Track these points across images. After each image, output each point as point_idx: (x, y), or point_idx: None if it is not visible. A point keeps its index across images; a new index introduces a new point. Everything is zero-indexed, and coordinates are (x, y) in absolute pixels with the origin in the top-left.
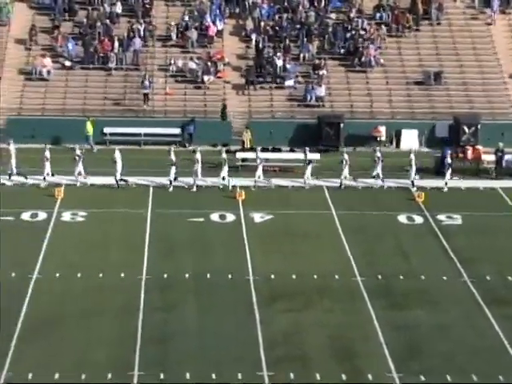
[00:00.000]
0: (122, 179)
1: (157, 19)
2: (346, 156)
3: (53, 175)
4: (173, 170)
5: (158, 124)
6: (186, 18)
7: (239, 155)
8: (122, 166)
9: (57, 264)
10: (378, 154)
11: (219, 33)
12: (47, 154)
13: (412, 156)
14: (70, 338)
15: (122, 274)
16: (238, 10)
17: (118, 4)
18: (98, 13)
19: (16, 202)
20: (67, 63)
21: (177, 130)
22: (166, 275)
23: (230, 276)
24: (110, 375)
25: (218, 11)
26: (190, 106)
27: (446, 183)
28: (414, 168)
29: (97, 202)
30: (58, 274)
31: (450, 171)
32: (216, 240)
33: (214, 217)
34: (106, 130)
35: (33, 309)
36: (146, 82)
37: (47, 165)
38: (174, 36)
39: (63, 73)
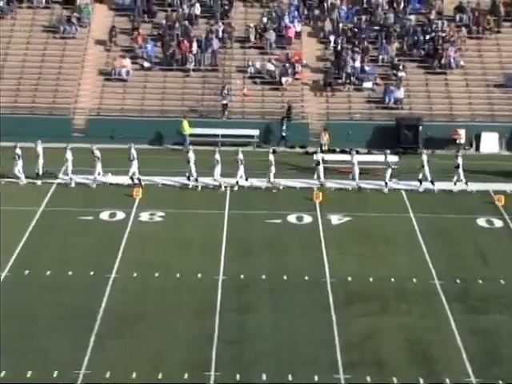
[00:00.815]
0: (137, 178)
1: (235, 20)
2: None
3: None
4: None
5: (235, 125)
6: (265, 20)
7: (317, 157)
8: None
9: (134, 264)
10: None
11: (297, 34)
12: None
13: (424, 157)
14: (147, 338)
15: (199, 275)
16: (316, 12)
17: (197, 5)
18: (177, 14)
19: (95, 202)
20: (146, 64)
21: (254, 131)
22: (242, 276)
23: (306, 278)
24: (186, 375)
25: (296, 13)
26: (268, 108)
27: (455, 184)
28: (426, 168)
29: (174, 202)
30: (135, 274)
31: (460, 172)
32: (293, 241)
33: (291, 218)
34: None
35: (111, 308)
36: (225, 92)
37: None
38: (252, 37)
39: (142, 74)
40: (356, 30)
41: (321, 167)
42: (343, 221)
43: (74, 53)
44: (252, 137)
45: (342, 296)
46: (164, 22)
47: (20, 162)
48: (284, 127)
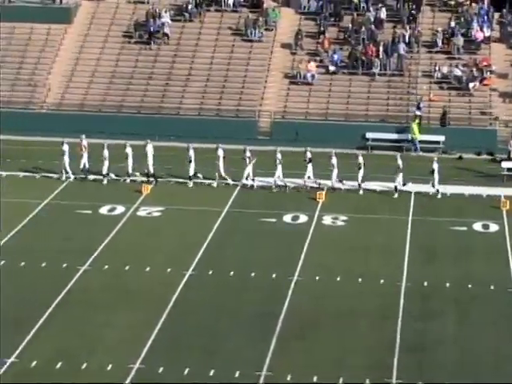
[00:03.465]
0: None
1: (422, 25)
2: None
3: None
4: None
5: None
6: (453, 24)
7: (505, 165)
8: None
9: (317, 267)
10: None
11: (486, 39)
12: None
13: (399, 161)
14: (328, 341)
15: (382, 280)
16: (509, 17)
17: (383, 9)
18: (363, 18)
19: (278, 205)
20: (331, 68)
21: (440, 137)
22: (426, 283)
23: (492, 287)
24: (367, 380)
25: (485, 18)
26: (454, 113)
27: (437, 190)
28: (401, 174)
29: (358, 207)
30: (317, 277)
31: (436, 177)
32: (478, 249)
33: (477, 226)
34: (368, 135)
35: (293, 310)
36: (421, 105)
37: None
38: (439, 42)
39: (327, 77)
40: None
41: (310, 165)
42: None
43: (260, 56)
44: (437, 143)
45: None
46: (350, 25)
47: (66, 158)
48: None
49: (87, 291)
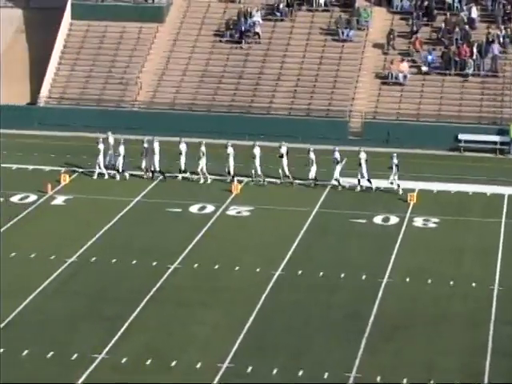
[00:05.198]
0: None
1: None
2: None
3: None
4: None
5: None
6: None
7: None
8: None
9: (407, 269)
10: None
11: None
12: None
13: (362, 154)
14: (418, 343)
15: (474, 284)
16: None
17: (474, 9)
18: (457, 18)
19: (368, 205)
20: (424, 68)
21: None
22: None
23: None
24: None
25: None
26: None
27: (392, 183)
28: (364, 168)
29: (449, 209)
30: (408, 279)
31: (395, 172)
32: None
33: None
34: (461, 136)
35: (382, 312)
36: None
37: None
38: None
39: (419, 78)
40: None
41: (284, 160)
42: None
43: (352, 55)
44: None
45: None
46: (443, 25)
47: (101, 157)
48: None
49: (177, 289)
